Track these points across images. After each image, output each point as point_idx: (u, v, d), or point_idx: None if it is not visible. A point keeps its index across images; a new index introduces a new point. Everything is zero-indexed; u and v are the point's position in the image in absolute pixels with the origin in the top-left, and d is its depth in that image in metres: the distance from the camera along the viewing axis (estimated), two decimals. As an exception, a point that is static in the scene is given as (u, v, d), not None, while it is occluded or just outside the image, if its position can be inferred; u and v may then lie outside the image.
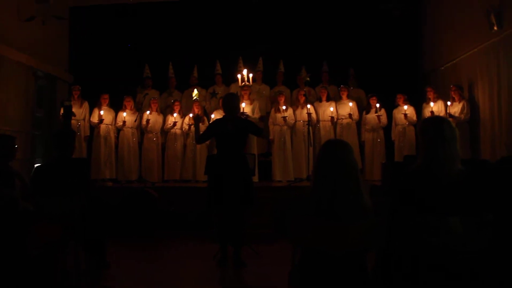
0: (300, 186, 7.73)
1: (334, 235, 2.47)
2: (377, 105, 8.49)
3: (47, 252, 3.77)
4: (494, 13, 6.76)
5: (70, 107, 8.03)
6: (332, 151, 2.63)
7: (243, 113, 6.95)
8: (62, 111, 8.03)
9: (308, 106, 8.29)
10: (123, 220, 6.54)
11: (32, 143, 8.40)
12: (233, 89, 8.96)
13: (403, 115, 8.30)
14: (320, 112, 8.76)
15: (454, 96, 7.75)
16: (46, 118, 8.99)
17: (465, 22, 8.04)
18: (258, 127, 5.36)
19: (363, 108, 8.97)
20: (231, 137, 5.08)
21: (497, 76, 6.94)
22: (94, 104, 8.73)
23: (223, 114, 5.44)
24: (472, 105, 7.67)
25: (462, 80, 8.13)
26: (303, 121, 8.44)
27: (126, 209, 6.78)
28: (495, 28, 6.81)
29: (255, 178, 7.41)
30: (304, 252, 2.61)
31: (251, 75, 8.00)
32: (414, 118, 8.32)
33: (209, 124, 5.42)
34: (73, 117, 8.22)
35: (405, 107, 8.32)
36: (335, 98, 9.03)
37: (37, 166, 4.82)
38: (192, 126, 8.44)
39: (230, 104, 5.23)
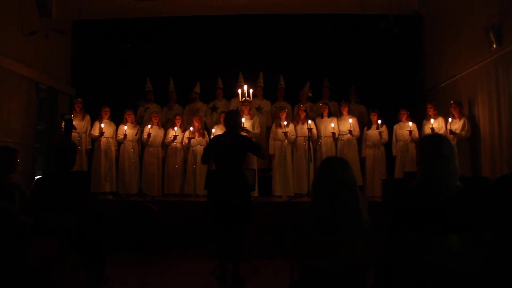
0: (300, 201, 7.68)
1: (332, 251, 2.47)
2: (379, 121, 8.51)
3: (45, 266, 3.75)
4: (493, 31, 6.80)
5: (71, 120, 8.06)
6: (331, 168, 2.64)
7: (243, 127, 6.97)
8: (63, 124, 8.04)
9: (309, 121, 8.32)
10: (122, 235, 6.50)
11: (33, 156, 8.41)
12: (233, 104, 9.00)
13: (406, 131, 8.31)
14: (322, 128, 8.77)
15: (454, 112, 7.76)
16: (47, 131, 9.01)
17: (465, 40, 8.10)
18: (257, 146, 5.35)
19: (364, 124, 8.98)
20: (230, 152, 5.08)
21: (496, 93, 6.97)
22: (96, 117, 8.77)
23: (224, 129, 5.45)
24: (472, 122, 7.68)
25: (462, 97, 8.16)
26: (304, 137, 8.45)
27: (125, 223, 6.75)
28: (494, 46, 6.85)
29: (255, 193, 7.41)
30: (302, 268, 2.60)
31: (251, 91, 8.04)
32: (417, 135, 8.30)
33: (209, 140, 5.42)
34: (74, 130, 8.24)
35: (410, 124, 8.33)
36: (336, 114, 9.05)
37: (37, 179, 4.80)
38: (192, 139, 8.48)
39: (232, 121, 5.24)
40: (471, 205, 2.48)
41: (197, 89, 9.53)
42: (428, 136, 3.06)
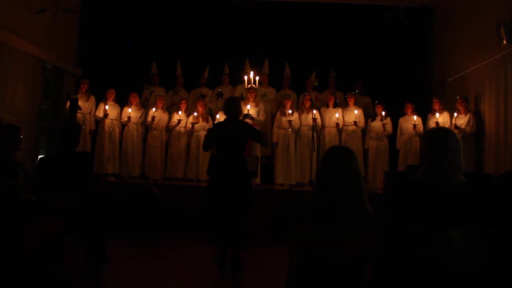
0: (302, 190, 7.68)
1: (333, 242, 2.46)
2: (383, 113, 8.47)
3: (46, 245, 3.77)
4: (504, 27, 6.74)
5: (76, 100, 8.05)
6: (336, 157, 2.62)
7: (248, 114, 6.94)
8: (68, 104, 8.04)
9: (314, 111, 8.29)
10: (124, 217, 6.53)
11: (37, 135, 8.42)
12: (239, 90, 8.98)
13: (411, 125, 8.29)
14: (326, 118, 8.74)
15: (460, 108, 7.73)
16: (51, 110, 9.02)
17: (475, 35, 8.03)
18: (259, 133, 5.34)
19: (369, 115, 8.95)
20: (231, 139, 5.08)
21: (504, 90, 6.93)
22: (101, 99, 8.76)
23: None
24: (477, 118, 7.64)
25: (470, 92, 8.11)
26: (308, 126, 8.42)
27: (127, 206, 6.78)
28: (505, 42, 6.79)
29: (257, 180, 7.41)
30: (302, 257, 2.60)
31: (257, 78, 8.01)
32: (421, 129, 8.27)
33: (209, 128, 5.40)
34: (78, 111, 8.24)
35: (415, 117, 8.30)
36: (342, 104, 9.02)
37: (41, 158, 4.81)
38: (196, 124, 8.48)
39: (232, 107, 5.23)
40: (474, 200, 2.47)
41: (206, 74, 9.51)
42: (435, 129, 3.03)
